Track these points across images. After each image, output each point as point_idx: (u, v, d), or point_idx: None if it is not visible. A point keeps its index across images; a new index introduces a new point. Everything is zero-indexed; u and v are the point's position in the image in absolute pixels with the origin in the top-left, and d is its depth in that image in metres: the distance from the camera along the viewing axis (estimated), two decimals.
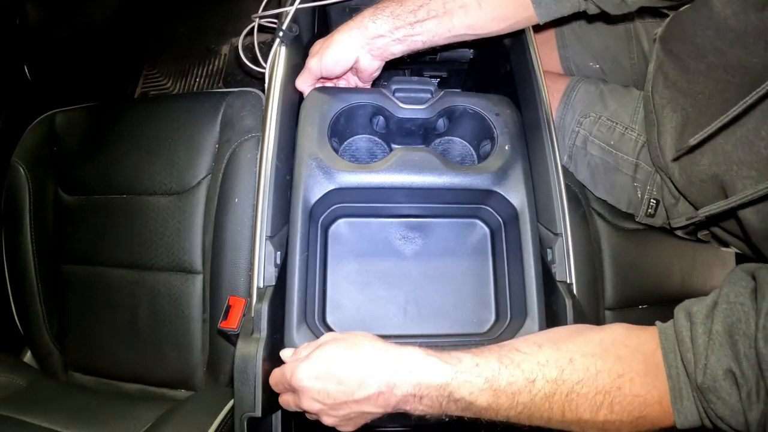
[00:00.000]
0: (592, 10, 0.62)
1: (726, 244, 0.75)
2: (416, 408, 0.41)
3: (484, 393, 0.40)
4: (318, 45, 0.61)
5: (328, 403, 0.42)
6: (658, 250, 0.81)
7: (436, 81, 0.88)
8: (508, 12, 0.59)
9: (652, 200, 0.74)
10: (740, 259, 0.85)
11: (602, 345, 0.42)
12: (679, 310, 0.43)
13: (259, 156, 0.57)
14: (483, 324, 0.59)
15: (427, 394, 0.40)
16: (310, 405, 0.42)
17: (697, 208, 0.62)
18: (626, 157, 0.74)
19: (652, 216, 0.76)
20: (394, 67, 1.00)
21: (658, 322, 0.44)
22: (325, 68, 0.59)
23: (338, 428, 0.44)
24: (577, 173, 0.80)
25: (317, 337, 0.51)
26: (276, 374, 0.45)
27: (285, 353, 0.48)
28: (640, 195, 0.75)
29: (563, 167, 0.80)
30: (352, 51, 0.58)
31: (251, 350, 0.46)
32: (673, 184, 0.65)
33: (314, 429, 0.79)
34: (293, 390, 0.43)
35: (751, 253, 0.65)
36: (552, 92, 0.78)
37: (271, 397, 0.48)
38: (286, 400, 0.46)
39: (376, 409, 0.41)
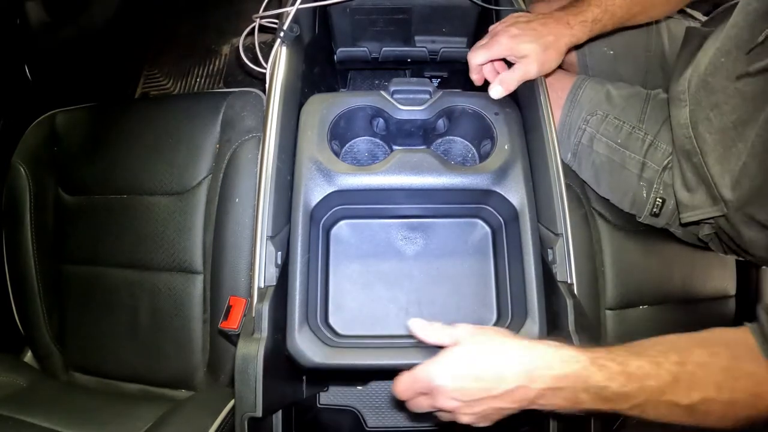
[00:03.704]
0: None
1: (725, 251, 0.75)
2: (551, 402, 0.41)
3: (616, 378, 0.40)
4: (513, 23, 0.61)
5: (465, 401, 0.42)
6: (658, 251, 0.81)
7: (436, 81, 0.89)
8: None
9: (658, 199, 0.74)
10: (740, 260, 0.85)
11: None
12: None
13: (259, 156, 0.57)
14: (484, 323, 0.58)
15: (564, 386, 0.40)
16: (446, 404, 0.43)
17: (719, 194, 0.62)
18: (633, 155, 0.74)
19: (656, 215, 0.76)
20: (394, 68, 1.00)
21: None
22: (518, 52, 0.59)
23: (474, 425, 0.44)
24: (580, 171, 0.80)
25: (319, 339, 0.51)
26: (405, 380, 0.44)
27: (415, 323, 0.48)
28: (645, 194, 0.75)
29: (566, 166, 0.80)
30: (560, 58, 0.60)
31: (252, 350, 0.46)
32: (705, 162, 0.64)
33: (314, 430, 0.79)
34: (429, 391, 0.43)
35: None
36: (557, 89, 0.78)
37: (271, 397, 0.48)
38: (418, 403, 0.45)
39: (513, 404, 0.42)
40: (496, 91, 0.61)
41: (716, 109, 0.61)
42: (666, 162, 0.73)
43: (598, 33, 0.61)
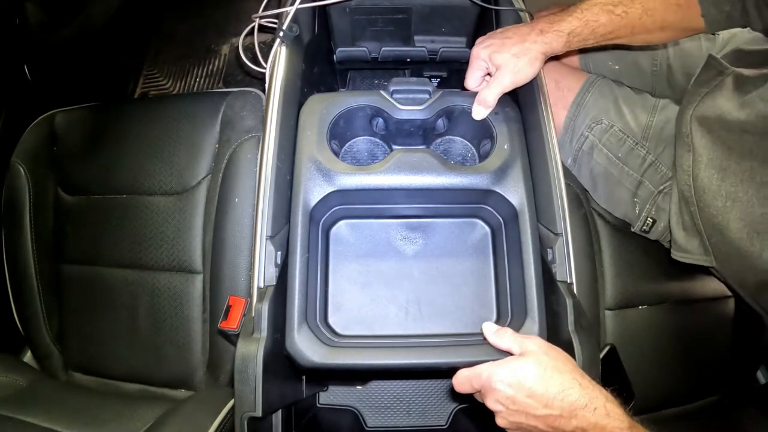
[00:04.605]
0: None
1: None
2: None
3: None
4: (490, 35, 0.61)
5: (511, 409, 0.45)
6: (658, 251, 0.81)
7: (436, 81, 0.89)
8: (683, 29, 0.62)
9: (649, 219, 0.74)
10: None
11: None
12: None
13: (259, 156, 0.57)
14: (486, 323, 0.58)
15: None
16: (493, 405, 0.46)
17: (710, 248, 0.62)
18: (631, 172, 0.74)
19: (646, 232, 0.76)
20: (394, 68, 1.00)
21: None
22: (494, 63, 0.59)
23: (506, 430, 0.47)
24: (579, 177, 0.80)
25: (318, 338, 0.51)
26: (466, 374, 0.48)
27: (488, 327, 0.51)
28: (638, 211, 0.75)
29: (566, 168, 0.80)
30: (534, 66, 0.58)
31: (252, 350, 0.46)
32: (700, 216, 0.64)
33: (314, 430, 0.79)
34: (483, 389, 0.46)
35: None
36: (564, 88, 0.78)
37: (271, 397, 0.48)
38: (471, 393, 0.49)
39: (547, 428, 0.44)
40: (478, 112, 0.60)
41: (721, 174, 0.61)
42: (663, 186, 0.72)
43: (578, 47, 0.60)
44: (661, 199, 0.73)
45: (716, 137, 0.62)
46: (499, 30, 0.63)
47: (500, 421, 0.46)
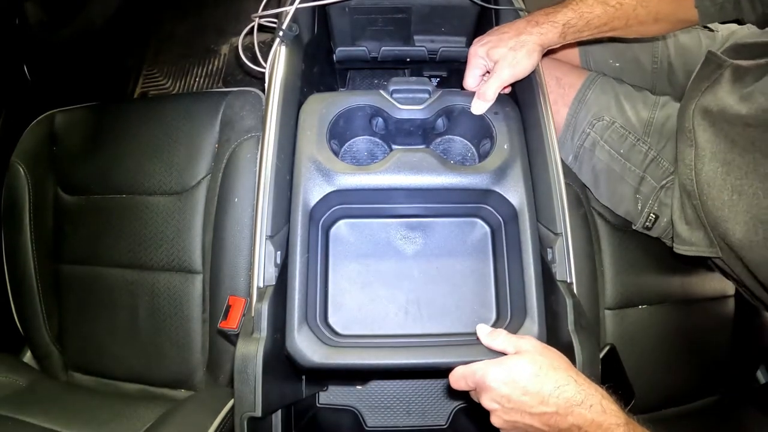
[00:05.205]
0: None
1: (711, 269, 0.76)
2: None
3: None
4: (487, 34, 0.62)
5: (506, 407, 0.45)
6: (658, 251, 0.81)
7: (436, 81, 0.89)
8: (677, 20, 0.62)
9: (651, 215, 0.74)
10: None
11: None
12: None
13: (259, 155, 0.57)
14: (484, 323, 0.58)
15: (590, 431, 0.42)
16: (488, 403, 0.46)
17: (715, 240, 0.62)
18: (633, 168, 0.74)
19: (648, 229, 0.76)
20: (393, 67, 1.00)
21: None
22: (491, 58, 0.60)
23: (502, 429, 0.47)
24: (580, 174, 0.79)
25: (318, 338, 0.51)
26: (462, 372, 0.47)
27: (482, 329, 0.51)
28: (640, 207, 0.74)
29: (567, 167, 0.80)
30: (531, 57, 0.59)
31: (251, 350, 0.46)
32: (703, 209, 0.64)
33: (314, 430, 0.79)
34: (478, 387, 0.46)
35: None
36: (565, 85, 0.78)
37: (270, 397, 0.48)
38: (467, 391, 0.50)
39: (543, 426, 0.44)
40: (477, 107, 0.60)
41: (726, 167, 0.61)
42: (665, 181, 0.72)
43: (574, 39, 0.60)
44: (664, 194, 0.73)
45: (719, 130, 0.62)
46: (495, 27, 0.63)
47: (495, 420, 0.46)
